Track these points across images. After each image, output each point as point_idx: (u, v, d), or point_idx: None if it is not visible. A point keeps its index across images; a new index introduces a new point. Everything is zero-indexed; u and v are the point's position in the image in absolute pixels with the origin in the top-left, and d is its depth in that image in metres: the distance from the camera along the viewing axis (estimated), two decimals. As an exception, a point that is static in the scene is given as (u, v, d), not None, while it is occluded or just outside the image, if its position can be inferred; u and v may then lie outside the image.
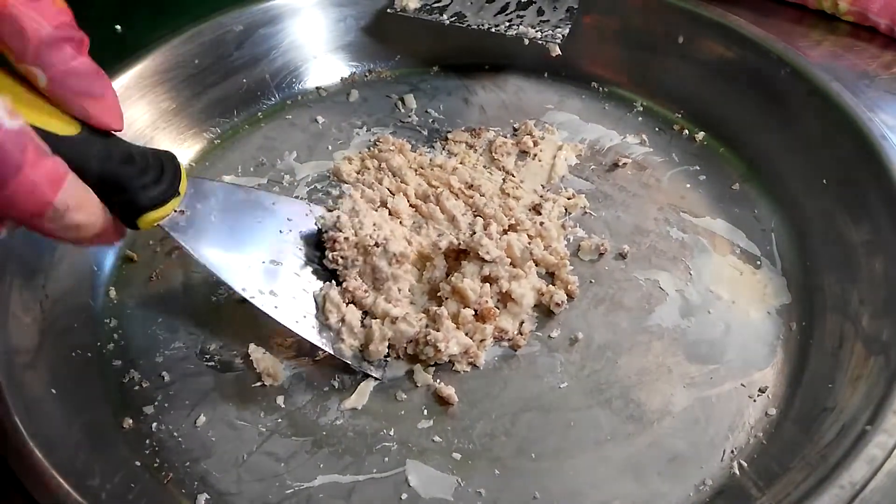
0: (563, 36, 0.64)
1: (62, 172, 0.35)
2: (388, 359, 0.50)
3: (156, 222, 0.42)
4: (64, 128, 0.36)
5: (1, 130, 0.32)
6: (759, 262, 0.56)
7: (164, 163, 0.42)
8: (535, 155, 0.63)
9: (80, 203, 0.36)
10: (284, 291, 0.49)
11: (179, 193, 0.42)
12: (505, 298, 0.52)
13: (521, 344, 0.51)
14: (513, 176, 0.61)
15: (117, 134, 0.40)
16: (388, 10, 0.68)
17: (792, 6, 0.70)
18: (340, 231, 0.51)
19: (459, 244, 0.52)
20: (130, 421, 0.48)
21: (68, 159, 0.35)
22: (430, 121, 0.67)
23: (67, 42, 0.36)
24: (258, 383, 0.49)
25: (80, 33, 0.37)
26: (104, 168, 0.38)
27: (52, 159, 0.35)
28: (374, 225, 0.53)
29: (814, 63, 0.61)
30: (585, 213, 0.59)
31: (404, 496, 0.44)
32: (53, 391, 0.47)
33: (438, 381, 0.49)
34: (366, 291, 0.51)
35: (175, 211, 0.43)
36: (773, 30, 0.64)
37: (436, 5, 0.68)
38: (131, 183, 0.39)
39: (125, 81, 0.61)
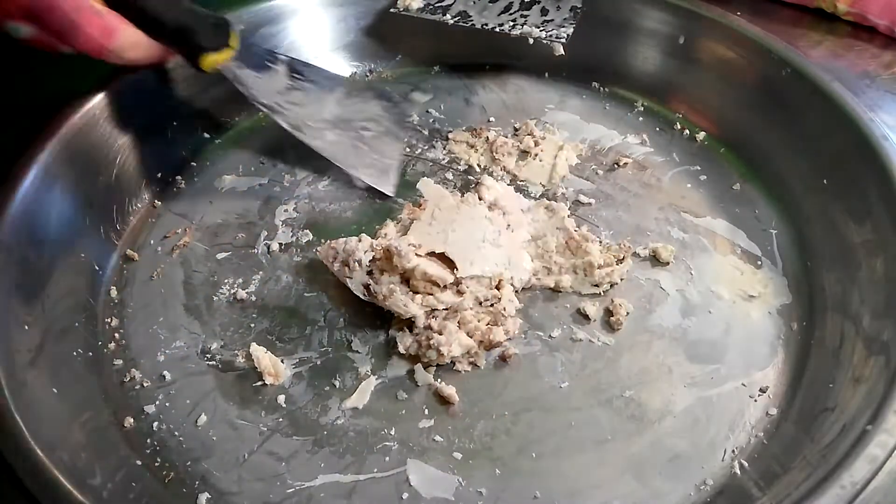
0: (567, 36, 0.64)
1: (114, 26, 0.50)
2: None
3: (215, 64, 0.56)
4: None
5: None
6: (759, 262, 0.56)
7: (220, 22, 0.56)
8: (536, 155, 0.63)
9: (133, 46, 0.52)
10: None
11: (231, 47, 0.56)
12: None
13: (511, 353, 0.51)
14: (515, 175, 0.61)
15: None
16: (391, 10, 0.68)
17: (791, 6, 0.70)
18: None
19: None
20: (131, 420, 0.48)
21: (148, 13, 0.52)
22: (431, 120, 0.67)
23: None
24: (259, 383, 0.49)
25: None
26: (174, 18, 0.53)
27: (105, 17, 0.50)
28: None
29: (814, 63, 0.61)
30: (587, 213, 0.59)
31: (405, 496, 0.44)
32: (54, 390, 0.47)
33: (439, 380, 0.49)
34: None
35: (231, 61, 0.57)
36: (774, 30, 0.64)
37: (439, 5, 0.68)
38: (194, 30, 0.54)
39: (126, 81, 0.61)
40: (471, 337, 0.50)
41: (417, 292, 0.50)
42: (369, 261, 0.51)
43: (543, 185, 0.61)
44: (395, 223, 0.55)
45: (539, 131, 0.64)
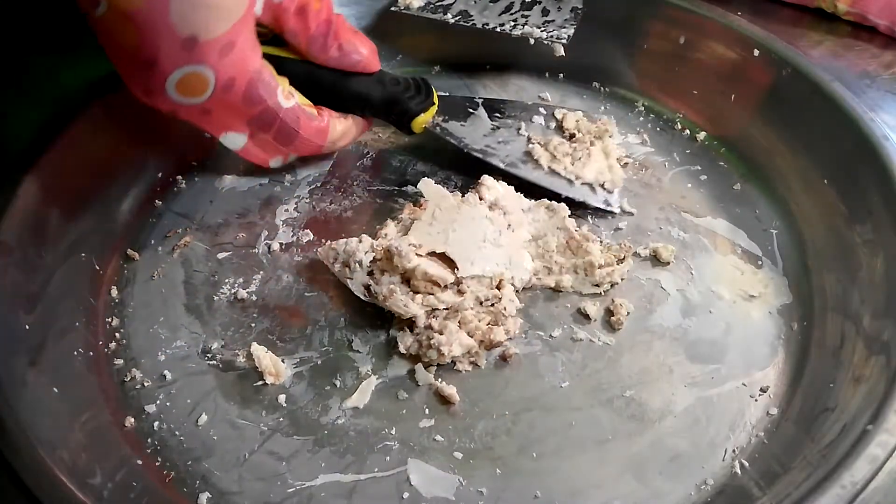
0: (568, 36, 0.64)
1: (325, 125, 0.56)
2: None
3: (423, 124, 0.59)
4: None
5: (282, 110, 0.53)
6: (760, 262, 0.56)
7: (420, 83, 0.60)
8: (590, 153, 0.61)
9: (343, 135, 0.58)
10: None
11: (434, 103, 0.60)
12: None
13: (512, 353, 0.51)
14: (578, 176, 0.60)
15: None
16: (392, 9, 0.68)
17: (792, 6, 0.70)
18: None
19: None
20: (132, 420, 0.48)
21: (359, 93, 0.57)
22: (430, 120, 0.67)
23: (325, 37, 0.54)
24: (260, 382, 0.49)
25: (334, 20, 0.54)
26: (381, 93, 0.58)
27: (317, 119, 0.55)
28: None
29: (815, 63, 0.61)
30: (587, 212, 0.59)
31: (406, 495, 0.44)
32: (55, 390, 0.47)
33: (440, 380, 0.49)
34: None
35: (434, 118, 0.60)
36: (774, 30, 0.64)
37: (439, 4, 0.68)
38: (402, 98, 0.58)
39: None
40: (471, 337, 0.50)
41: (418, 292, 0.50)
42: (370, 261, 0.51)
43: (605, 186, 0.60)
44: (396, 223, 0.55)
45: (583, 123, 0.63)
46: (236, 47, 0.47)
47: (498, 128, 0.62)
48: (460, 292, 0.50)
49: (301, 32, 0.52)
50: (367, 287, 0.51)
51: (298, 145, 0.56)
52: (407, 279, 0.50)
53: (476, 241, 0.52)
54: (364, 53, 0.55)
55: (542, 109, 0.64)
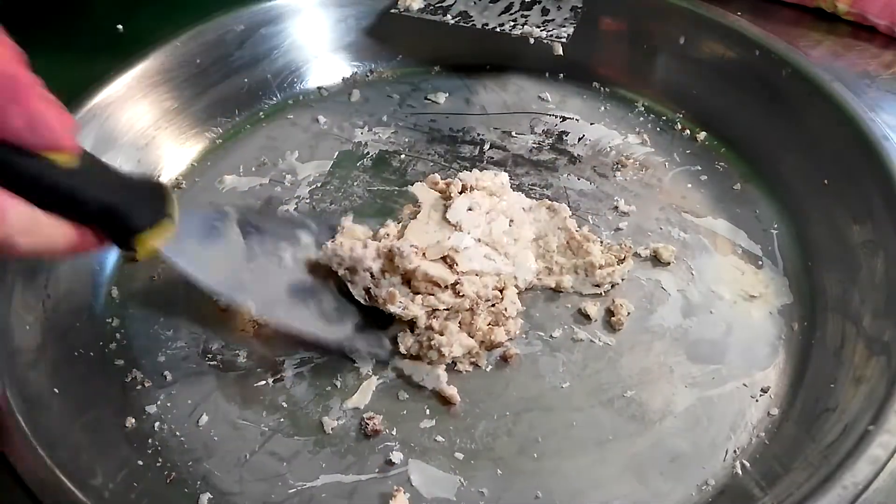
0: (567, 36, 0.64)
1: (0, 209, 0.35)
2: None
3: (150, 247, 0.42)
4: (68, 160, 0.38)
5: None
6: (760, 263, 0.56)
7: (153, 190, 0.43)
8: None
9: (30, 232, 0.37)
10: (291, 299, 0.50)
11: (169, 217, 0.43)
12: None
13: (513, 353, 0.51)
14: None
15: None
16: (392, 11, 0.68)
17: (791, 6, 0.70)
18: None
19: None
20: (133, 420, 0.48)
21: (66, 189, 0.37)
22: (431, 120, 0.67)
23: (7, 101, 0.35)
24: (261, 382, 0.49)
25: (22, 77, 0.36)
26: (95, 196, 0.39)
27: None
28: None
29: (815, 63, 0.61)
30: (587, 212, 0.59)
31: (407, 496, 0.44)
32: (56, 390, 0.47)
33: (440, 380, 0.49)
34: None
35: (170, 237, 0.43)
36: (774, 30, 0.64)
37: (439, 5, 0.68)
38: (118, 207, 0.40)
39: (127, 81, 0.61)
40: (472, 337, 0.50)
41: (418, 293, 0.50)
42: (378, 268, 0.50)
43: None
44: (396, 223, 0.55)
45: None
46: None
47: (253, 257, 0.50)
48: (460, 294, 0.50)
49: None
50: (367, 290, 0.51)
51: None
52: (407, 280, 0.50)
53: (476, 241, 0.52)
54: (64, 128, 0.37)
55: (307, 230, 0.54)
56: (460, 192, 0.55)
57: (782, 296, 0.53)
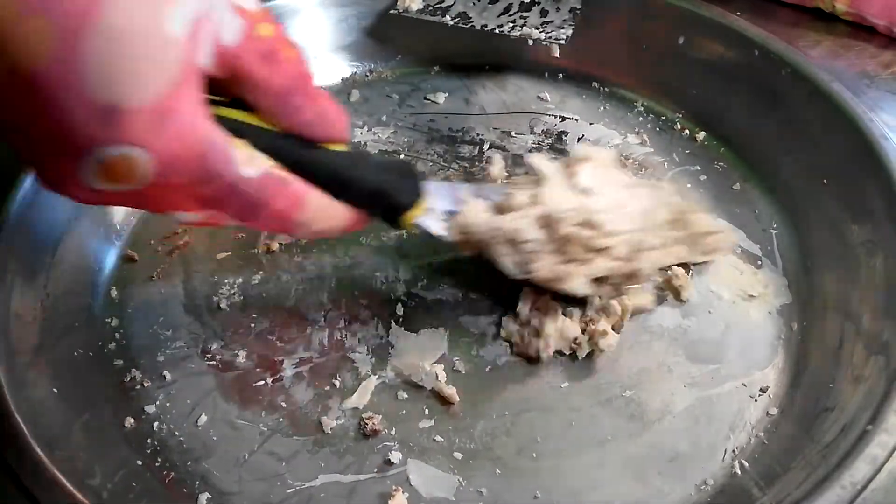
0: (567, 37, 0.64)
1: (301, 195, 0.41)
2: None
3: (413, 220, 0.48)
4: (340, 150, 0.43)
5: (244, 182, 0.38)
6: (759, 262, 0.56)
7: (410, 169, 0.49)
8: None
9: (322, 215, 0.43)
10: None
11: (423, 194, 0.48)
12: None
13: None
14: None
15: None
16: (391, 12, 0.68)
17: (790, 6, 0.70)
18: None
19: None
20: (132, 420, 0.48)
21: (345, 175, 0.43)
22: (430, 120, 0.67)
23: (298, 94, 0.40)
24: (260, 382, 0.49)
25: (310, 75, 0.40)
26: (369, 176, 0.45)
27: (292, 187, 0.41)
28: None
29: (814, 63, 0.61)
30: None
31: (406, 495, 0.44)
32: (55, 390, 0.47)
33: (439, 380, 0.49)
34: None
35: (426, 210, 0.48)
36: (773, 30, 0.64)
37: (438, 6, 0.68)
38: (390, 191, 0.46)
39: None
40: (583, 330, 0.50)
41: (571, 261, 0.49)
42: (541, 239, 0.48)
43: None
44: (520, 191, 0.51)
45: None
46: (176, 114, 0.34)
47: None
48: (615, 257, 0.48)
49: (267, 87, 0.38)
50: (520, 264, 0.48)
51: (266, 219, 0.41)
52: (557, 249, 0.49)
53: (619, 203, 0.51)
54: (343, 121, 0.42)
55: None
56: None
57: (781, 296, 0.53)
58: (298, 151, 0.41)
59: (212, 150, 0.36)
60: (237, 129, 0.39)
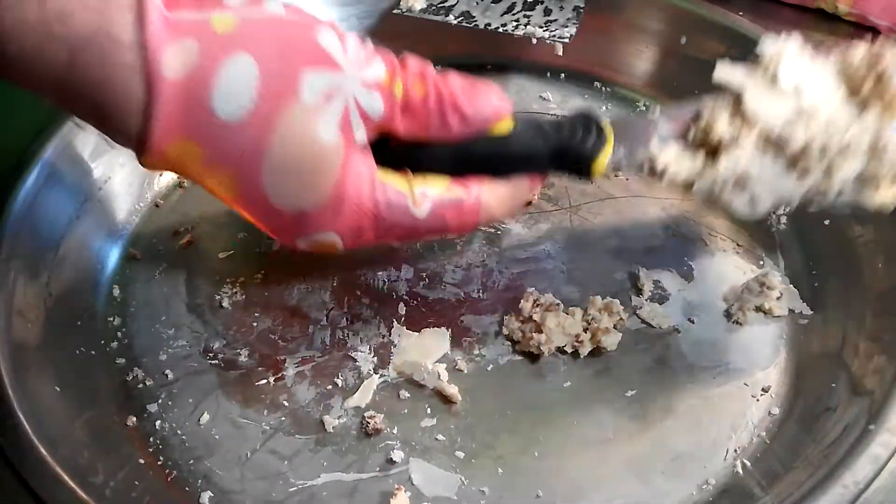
0: (570, 36, 0.64)
1: (475, 206, 0.45)
2: None
3: (603, 166, 0.47)
4: (501, 128, 0.45)
5: (421, 223, 0.44)
6: (762, 262, 0.56)
7: (587, 117, 0.47)
8: None
9: (497, 208, 0.46)
10: None
11: (608, 137, 0.47)
12: None
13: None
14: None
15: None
16: (394, 12, 0.68)
17: (792, 7, 0.70)
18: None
19: None
20: (134, 419, 0.48)
21: (518, 149, 0.45)
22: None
23: (441, 115, 0.44)
24: (262, 381, 0.49)
25: (444, 90, 0.44)
26: (546, 144, 0.46)
27: (466, 204, 0.45)
28: None
29: (816, 63, 0.61)
30: (588, 213, 0.59)
31: (408, 494, 0.44)
32: (57, 389, 0.47)
33: (441, 379, 0.49)
34: None
35: (613, 153, 0.47)
36: (774, 30, 0.63)
37: (441, 5, 0.68)
38: (572, 144, 0.46)
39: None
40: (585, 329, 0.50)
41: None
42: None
43: None
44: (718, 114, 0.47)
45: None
46: (347, 198, 0.42)
47: None
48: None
49: (416, 128, 0.43)
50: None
51: (454, 232, 0.47)
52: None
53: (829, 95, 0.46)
54: (492, 105, 0.44)
55: None
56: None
57: (784, 295, 0.53)
58: (465, 156, 0.45)
59: (386, 208, 0.43)
60: (407, 154, 0.44)
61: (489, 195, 0.46)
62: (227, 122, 0.38)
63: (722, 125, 0.46)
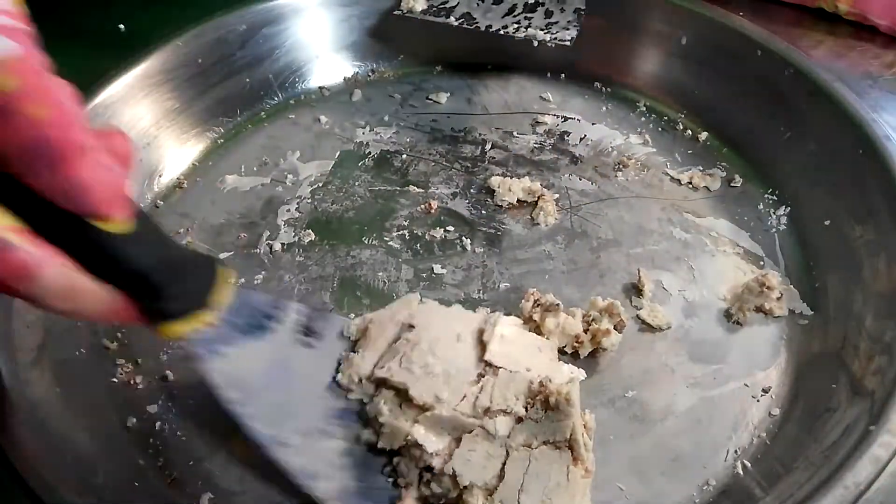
0: (572, 38, 0.64)
1: (29, 266, 0.34)
2: None
3: (178, 335, 0.40)
4: (116, 227, 0.36)
5: None
6: (762, 263, 0.56)
7: (200, 270, 0.41)
8: None
9: (62, 294, 0.35)
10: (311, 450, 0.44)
11: (205, 306, 0.41)
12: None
13: None
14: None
15: None
16: (395, 13, 0.68)
17: (792, 6, 0.70)
18: None
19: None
20: (134, 420, 0.48)
21: (111, 256, 0.36)
22: (432, 120, 0.67)
23: (35, 160, 0.33)
24: (262, 382, 0.49)
25: (68, 140, 0.34)
26: (137, 267, 0.37)
27: (17, 254, 0.33)
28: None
29: (816, 63, 0.61)
30: (588, 213, 0.59)
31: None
32: (57, 390, 0.47)
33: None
34: None
35: (205, 325, 0.41)
36: (775, 30, 0.64)
37: (442, 6, 0.68)
38: (156, 286, 0.38)
39: (129, 81, 0.61)
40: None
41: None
42: None
43: None
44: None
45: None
46: None
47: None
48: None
49: (3, 138, 0.33)
50: None
51: None
52: None
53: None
54: (100, 198, 0.35)
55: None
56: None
57: (784, 296, 0.53)
58: (53, 217, 0.35)
59: None
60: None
61: (55, 271, 0.35)
62: None
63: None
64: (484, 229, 0.58)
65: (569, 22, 0.66)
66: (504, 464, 0.42)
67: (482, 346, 0.47)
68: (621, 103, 0.68)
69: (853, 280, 0.51)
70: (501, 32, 0.66)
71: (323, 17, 0.70)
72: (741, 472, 0.45)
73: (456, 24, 0.67)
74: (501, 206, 0.59)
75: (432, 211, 0.59)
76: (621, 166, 0.62)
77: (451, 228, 0.58)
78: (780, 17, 0.69)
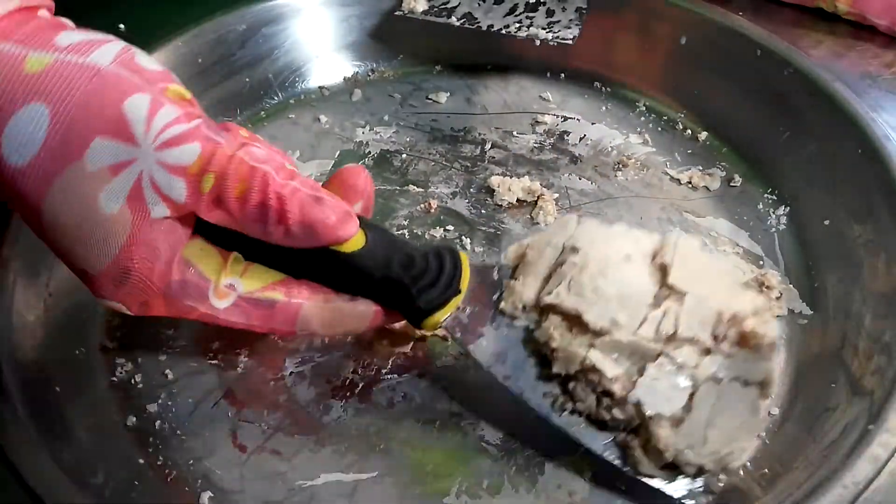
0: (574, 37, 0.64)
1: (289, 315, 0.42)
2: None
3: (437, 325, 0.43)
4: (352, 245, 0.40)
5: (220, 315, 0.42)
6: (761, 262, 0.56)
7: (444, 261, 0.43)
8: None
9: (318, 325, 0.43)
10: None
11: (459, 291, 0.43)
12: None
13: None
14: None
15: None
16: (396, 13, 0.68)
17: (792, 6, 0.70)
18: None
19: None
20: (134, 419, 0.48)
21: (355, 270, 0.41)
22: (432, 120, 0.67)
23: (262, 223, 0.40)
24: (261, 381, 0.49)
25: (273, 199, 0.39)
26: (384, 275, 0.41)
27: (278, 310, 0.42)
28: None
29: (816, 63, 0.61)
30: (588, 214, 0.59)
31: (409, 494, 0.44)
32: (57, 389, 0.47)
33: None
34: None
35: (458, 309, 0.43)
36: (774, 30, 0.64)
37: (444, 7, 0.68)
38: (408, 288, 0.42)
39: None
40: None
41: None
42: None
43: None
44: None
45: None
46: (135, 268, 0.39)
47: None
48: None
49: (230, 223, 0.40)
50: None
51: (263, 331, 0.43)
52: None
53: None
54: (327, 227, 0.40)
55: None
56: None
57: (783, 296, 0.53)
58: (298, 261, 0.41)
59: (179, 289, 0.41)
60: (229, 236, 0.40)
61: (312, 309, 0.42)
62: (14, 166, 0.37)
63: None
64: (483, 229, 0.58)
65: (571, 20, 0.66)
66: (692, 396, 0.41)
67: (658, 267, 0.45)
68: (621, 103, 0.68)
69: (852, 280, 0.52)
70: (503, 32, 0.66)
71: (323, 17, 0.70)
72: (741, 472, 0.45)
73: (457, 24, 0.67)
74: (501, 206, 0.60)
75: (432, 210, 0.59)
76: (621, 166, 0.62)
77: (450, 228, 0.58)
78: (779, 17, 0.69)
